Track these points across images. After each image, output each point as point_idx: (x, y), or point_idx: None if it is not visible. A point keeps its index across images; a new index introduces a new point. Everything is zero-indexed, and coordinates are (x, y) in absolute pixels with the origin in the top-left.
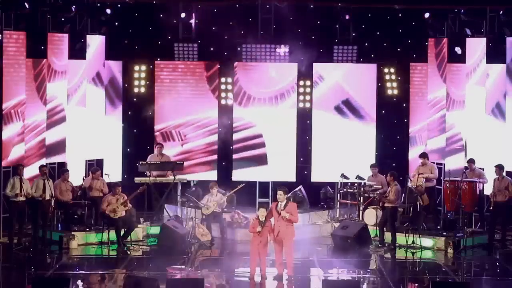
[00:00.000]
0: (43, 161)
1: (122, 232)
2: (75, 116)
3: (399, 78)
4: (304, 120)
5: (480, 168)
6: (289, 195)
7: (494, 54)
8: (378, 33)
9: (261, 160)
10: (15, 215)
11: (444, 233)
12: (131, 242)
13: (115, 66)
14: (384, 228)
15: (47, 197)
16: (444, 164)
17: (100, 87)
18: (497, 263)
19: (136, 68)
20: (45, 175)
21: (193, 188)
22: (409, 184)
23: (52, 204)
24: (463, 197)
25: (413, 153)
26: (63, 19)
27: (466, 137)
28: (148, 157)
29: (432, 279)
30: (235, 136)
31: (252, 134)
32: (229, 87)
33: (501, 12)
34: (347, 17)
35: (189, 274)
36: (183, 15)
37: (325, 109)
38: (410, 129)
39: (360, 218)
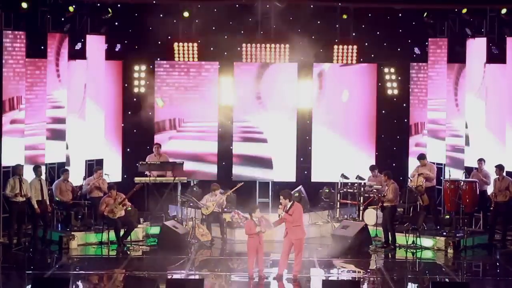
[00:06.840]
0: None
1: (121, 232)
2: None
3: (399, 78)
4: (304, 120)
5: None
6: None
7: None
8: (378, 33)
9: (265, 162)
10: (15, 215)
11: (444, 233)
12: (131, 242)
13: (115, 66)
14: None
15: (44, 197)
16: (444, 164)
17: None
18: (497, 263)
19: (136, 68)
20: (40, 176)
21: (194, 188)
22: (409, 184)
23: (48, 203)
24: (463, 197)
25: (412, 142)
26: (63, 19)
27: (468, 138)
28: (147, 158)
29: (432, 279)
30: (235, 137)
31: (252, 134)
32: (229, 87)
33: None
34: (344, 16)
35: (189, 274)
36: (186, 14)
37: (325, 109)
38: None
39: (360, 218)
